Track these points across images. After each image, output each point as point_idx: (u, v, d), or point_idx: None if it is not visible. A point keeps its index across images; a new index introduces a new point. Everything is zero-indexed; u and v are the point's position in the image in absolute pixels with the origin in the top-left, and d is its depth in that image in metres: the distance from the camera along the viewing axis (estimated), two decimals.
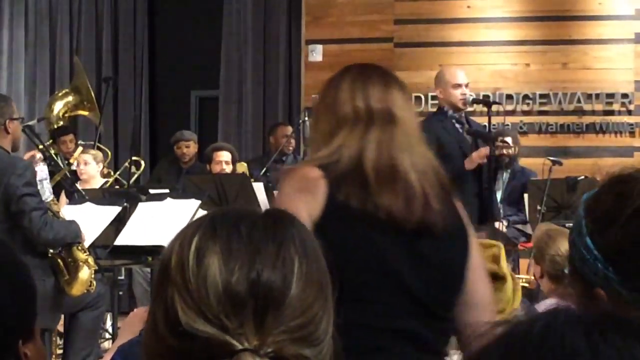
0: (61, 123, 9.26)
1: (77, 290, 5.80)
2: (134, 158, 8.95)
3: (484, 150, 6.67)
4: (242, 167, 8.95)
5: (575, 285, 1.63)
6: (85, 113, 9.53)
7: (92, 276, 5.87)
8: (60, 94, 9.67)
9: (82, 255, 5.82)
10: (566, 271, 3.89)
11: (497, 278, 2.56)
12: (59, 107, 9.46)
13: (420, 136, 2.68)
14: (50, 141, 8.20)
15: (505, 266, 2.56)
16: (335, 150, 2.60)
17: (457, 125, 6.86)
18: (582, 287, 1.59)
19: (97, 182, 8.31)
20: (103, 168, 8.61)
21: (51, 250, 5.73)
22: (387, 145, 2.60)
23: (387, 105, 2.65)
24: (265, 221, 1.30)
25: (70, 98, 9.46)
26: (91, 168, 8.33)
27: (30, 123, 7.52)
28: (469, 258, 2.59)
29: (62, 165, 7.23)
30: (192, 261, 1.25)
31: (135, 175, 9.03)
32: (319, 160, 2.62)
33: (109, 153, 9.39)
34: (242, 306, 1.23)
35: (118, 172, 9.11)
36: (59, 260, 5.76)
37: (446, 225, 2.54)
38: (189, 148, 9.60)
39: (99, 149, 9.08)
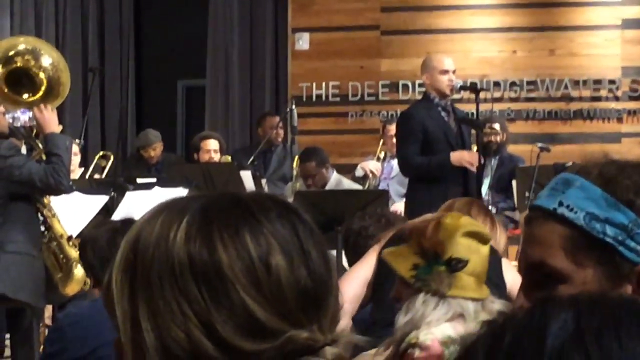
0: None
1: (72, 289, 5.72)
2: (103, 152, 8.92)
3: (476, 159, 6.69)
4: (226, 161, 8.92)
5: None
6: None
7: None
8: None
9: (74, 253, 5.74)
10: None
11: None
12: None
13: None
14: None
15: None
16: None
17: (443, 113, 6.86)
18: None
19: (76, 174, 8.28)
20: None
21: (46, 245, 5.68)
22: None
23: None
24: (280, 212, 1.26)
25: None
26: (77, 159, 8.31)
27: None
28: None
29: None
30: (257, 261, 1.21)
31: (107, 169, 8.97)
32: None
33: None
34: (312, 300, 1.22)
35: (92, 166, 9.01)
36: (52, 255, 5.71)
37: None
38: (155, 150, 9.66)
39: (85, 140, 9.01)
